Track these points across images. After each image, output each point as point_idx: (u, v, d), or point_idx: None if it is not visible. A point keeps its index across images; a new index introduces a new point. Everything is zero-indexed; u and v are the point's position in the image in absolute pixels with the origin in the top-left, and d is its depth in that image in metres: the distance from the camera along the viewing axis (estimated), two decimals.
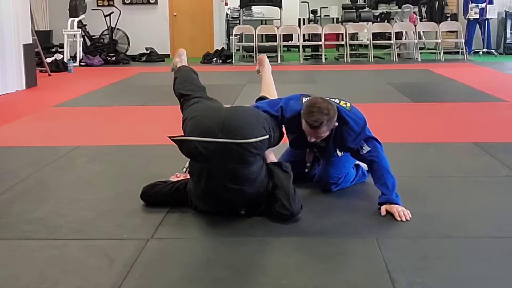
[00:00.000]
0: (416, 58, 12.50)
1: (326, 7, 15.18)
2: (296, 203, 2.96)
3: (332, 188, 3.37)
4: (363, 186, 3.57)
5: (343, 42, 12.71)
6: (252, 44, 12.30)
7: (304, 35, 12.84)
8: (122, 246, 2.75)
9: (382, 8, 15.02)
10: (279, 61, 12.27)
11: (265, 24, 14.26)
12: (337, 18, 15.06)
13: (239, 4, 13.76)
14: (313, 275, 2.37)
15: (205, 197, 2.96)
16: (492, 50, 13.12)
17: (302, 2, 15.22)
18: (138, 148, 4.81)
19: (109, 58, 12.34)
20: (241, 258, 2.57)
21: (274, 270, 2.44)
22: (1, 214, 3.21)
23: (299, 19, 15.25)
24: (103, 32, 13.16)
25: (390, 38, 12.63)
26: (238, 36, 12.76)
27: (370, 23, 13.23)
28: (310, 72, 10.39)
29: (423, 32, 12.97)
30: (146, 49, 13.10)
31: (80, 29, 12.36)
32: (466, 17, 13.10)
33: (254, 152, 2.86)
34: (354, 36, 13.59)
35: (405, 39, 12.94)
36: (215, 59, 12.43)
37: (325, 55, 12.61)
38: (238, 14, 14.43)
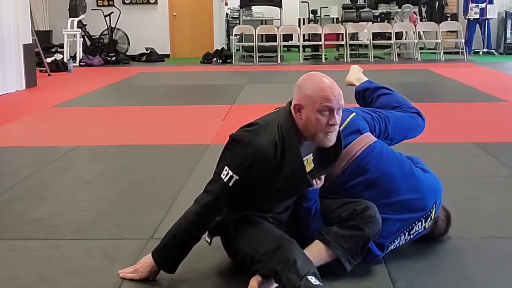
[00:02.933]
0: (416, 58, 12.50)
1: (326, 7, 15.17)
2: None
3: None
4: None
5: (343, 42, 12.70)
6: (252, 44, 12.29)
7: (304, 35, 12.83)
8: (122, 246, 2.75)
9: (382, 8, 15.03)
10: (279, 61, 12.27)
11: (265, 24, 14.25)
12: (337, 18, 15.05)
13: (239, 4, 13.76)
14: None
15: None
16: (492, 50, 13.12)
17: (302, 2, 15.21)
18: (138, 148, 4.81)
19: (109, 58, 12.34)
20: None
21: None
22: (1, 214, 3.21)
23: (299, 19, 15.25)
24: (103, 32, 13.15)
25: (390, 38, 12.63)
26: (238, 36, 12.76)
27: (370, 23, 13.23)
28: None
29: (423, 32, 12.97)
30: (146, 49, 13.10)
31: (80, 29, 12.36)
32: (466, 17, 13.10)
33: None
34: (354, 36, 13.58)
35: (405, 39, 12.94)
36: (215, 59, 12.43)
37: (325, 55, 12.60)
38: (238, 14, 14.42)
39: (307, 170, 2.29)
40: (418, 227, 2.54)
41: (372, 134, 2.61)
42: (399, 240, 2.52)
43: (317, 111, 2.18)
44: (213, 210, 2.28)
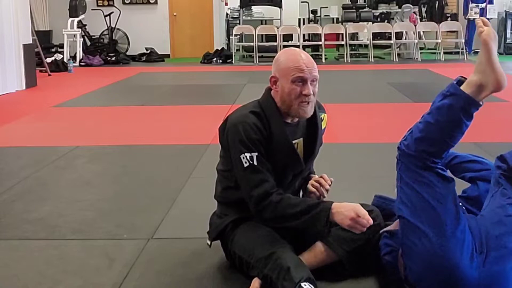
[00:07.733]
0: (416, 58, 12.50)
1: (326, 7, 15.17)
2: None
3: None
4: (364, 185, 3.57)
5: (343, 42, 12.70)
6: (252, 44, 12.30)
7: (304, 35, 12.83)
8: (122, 246, 2.75)
9: (382, 8, 15.01)
10: None
11: (265, 24, 14.25)
12: (337, 18, 15.05)
13: (239, 4, 13.76)
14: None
15: None
16: None
17: (302, 2, 15.21)
18: (138, 148, 4.81)
19: (109, 58, 12.34)
20: None
21: None
22: (1, 214, 3.21)
23: (299, 19, 15.24)
24: (103, 32, 13.15)
25: (390, 38, 12.63)
26: (238, 36, 12.76)
27: (370, 23, 13.23)
28: None
29: (423, 32, 12.97)
30: (146, 49, 13.11)
31: (80, 29, 12.36)
32: (466, 17, 13.10)
33: None
34: (354, 36, 13.59)
35: (405, 39, 12.94)
36: (215, 59, 12.43)
37: (325, 55, 12.61)
38: (238, 14, 14.41)
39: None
40: None
41: None
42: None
43: (291, 82, 2.25)
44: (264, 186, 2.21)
